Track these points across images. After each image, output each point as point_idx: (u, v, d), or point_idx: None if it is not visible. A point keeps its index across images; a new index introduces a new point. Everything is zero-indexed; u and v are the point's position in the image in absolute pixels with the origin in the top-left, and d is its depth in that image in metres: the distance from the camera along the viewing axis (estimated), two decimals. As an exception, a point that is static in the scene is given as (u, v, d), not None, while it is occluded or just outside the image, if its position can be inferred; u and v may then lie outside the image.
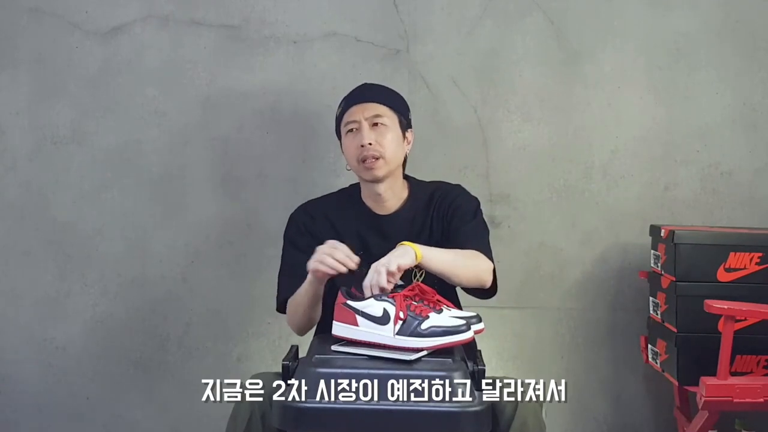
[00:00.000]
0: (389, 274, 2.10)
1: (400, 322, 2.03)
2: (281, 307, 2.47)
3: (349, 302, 2.07)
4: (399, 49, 2.99)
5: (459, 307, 2.39)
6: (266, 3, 2.99)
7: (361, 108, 2.42)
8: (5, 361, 3.01)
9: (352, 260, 2.19)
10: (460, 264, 2.26)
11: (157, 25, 2.99)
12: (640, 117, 3.02)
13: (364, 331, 2.05)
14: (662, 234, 2.73)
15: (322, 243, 2.37)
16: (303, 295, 2.31)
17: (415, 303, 2.08)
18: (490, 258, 2.33)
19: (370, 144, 2.38)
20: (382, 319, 2.04)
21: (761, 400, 2.41)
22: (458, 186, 2.52)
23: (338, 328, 2.08)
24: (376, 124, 2.40)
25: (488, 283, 2.32)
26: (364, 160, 2.39)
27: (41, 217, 3.00)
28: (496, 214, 3.00)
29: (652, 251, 2.83)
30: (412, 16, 2.99)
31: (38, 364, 3.01)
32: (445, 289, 2.35)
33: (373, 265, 2.12)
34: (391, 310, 2.04)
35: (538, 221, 3.01)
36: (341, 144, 2.46)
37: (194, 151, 3.00)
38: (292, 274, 2.43)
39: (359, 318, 2.06)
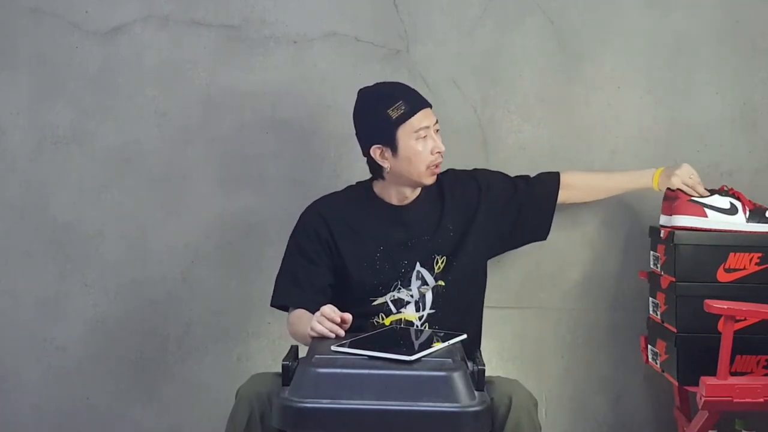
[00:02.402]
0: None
1: (749, 211, 2.57)
2: (275, 305, 2.50)
3: (695, 198, 2.58)
4: (399, 49, 2.99)
5: (480, 326, 2.61)
6: (266, 3, 2.99)
7: (428, 113, 2.45)
8: (5, 361, 3.01)
9: (338, 331, 2.18)
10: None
11: (157, 25, 2.99)
12: (640, 117, 3.01)
13: (715, 221, 2.56)
14: (662, 234, 2.72)
15: (334, 246, 2.40)
16: (304, 334, 2.29)
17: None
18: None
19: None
20: (730, 211, 2.56)
21: (761, 400, 2.41)
22: (451, 170, 2.61)
23: (686, 221, 2.56)
24: (437, 130, 2.47)
25: None
26: (431, 166, 2.43)
27: (41, 217, 2.99)
28: (496, 214, 2.99)
29: (652, 252, 2.83)
30: (412, 16, 2.99)
31: (38, 364, 3.01)
32: (468, 317, 2.51)
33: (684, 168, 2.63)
34: (737, 203, 2.58)
35: (538, 221, 3.01)
36: (396, 146, 2.42)
37: (194, 151, 3.00)
38: (292, 280, 2.44)
39: (708, 210, 2.57)
